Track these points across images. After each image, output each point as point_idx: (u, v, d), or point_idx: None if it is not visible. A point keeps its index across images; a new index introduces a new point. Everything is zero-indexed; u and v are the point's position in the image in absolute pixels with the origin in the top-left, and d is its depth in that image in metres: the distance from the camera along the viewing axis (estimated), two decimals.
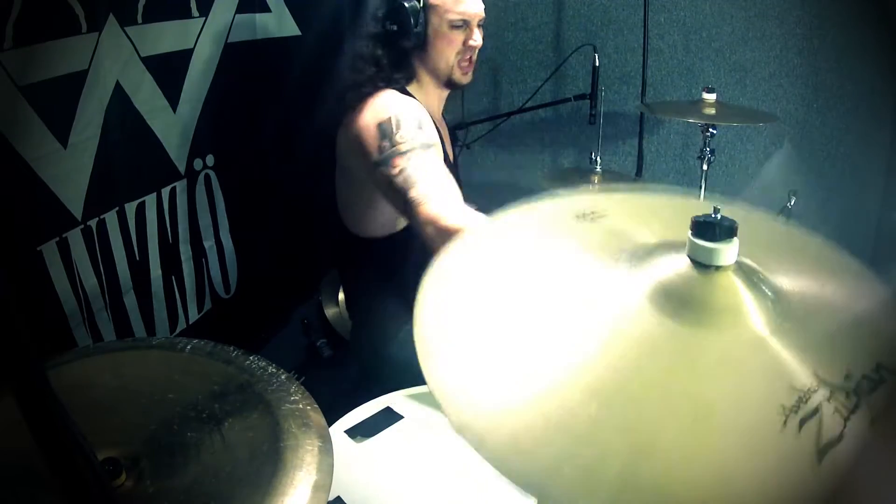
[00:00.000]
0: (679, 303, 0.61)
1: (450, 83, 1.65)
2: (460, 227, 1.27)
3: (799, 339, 0.59)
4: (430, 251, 1.56)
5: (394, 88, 1.55)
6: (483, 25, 1.65)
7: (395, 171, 1.39)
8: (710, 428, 0.51)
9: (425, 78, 1.64)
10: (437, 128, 1.65)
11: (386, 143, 1.41)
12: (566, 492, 0.46)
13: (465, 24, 1.58)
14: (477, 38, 1.60)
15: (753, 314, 0.61)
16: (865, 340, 0.62)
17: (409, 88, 1.61)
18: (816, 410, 0.52)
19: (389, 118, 1.44)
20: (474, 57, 1.64)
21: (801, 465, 0.49)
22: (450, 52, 1.59)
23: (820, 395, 0.53)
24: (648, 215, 0.74)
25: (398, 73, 1.59)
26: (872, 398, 0.53)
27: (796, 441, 0.50)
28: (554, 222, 0.78)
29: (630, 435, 0.50)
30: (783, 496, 0.48)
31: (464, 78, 1.64)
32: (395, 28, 1.55)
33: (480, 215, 1.31)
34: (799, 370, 0.56)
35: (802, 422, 0.51)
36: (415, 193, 1.35)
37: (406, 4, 1.53)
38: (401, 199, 1.38)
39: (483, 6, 1.62)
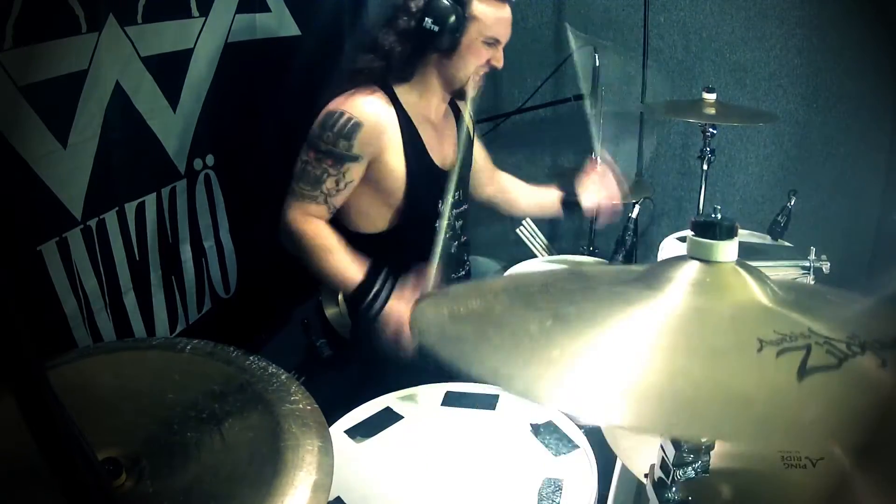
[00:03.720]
0: (693, 283, 0.66)
1: (458, 93, 1.68)
2: (299, 231, 1.52)
3: (804, 311, 0.64)
4: (421, 248, 1.63)
5: (381, 90, 1.59)
6: None
7: (303, 158, 1.55)
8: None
9: (433, 82, 1.65)
10: (435, 130, 1.66)
11: (317, 130, 1.54)
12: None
13: (495, 43, 1.61)
14: (501, 60, 1.63)
15: (758, 292, 0.66)
16: (880, 322, 0.65)
17: (400, 88, 1.62)
18: (803, 348, 0.56)
19: (342, 113, 1.52)
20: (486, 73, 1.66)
21: (778, 380, 0.54)
22: (473, 66, 1.61)
23: (811, 340, 0.57)
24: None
25: (398, 71, 1.61)
26: (885, 352, 0.56)
27: (774, 363, 0.55)
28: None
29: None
30: (763, 406, 0.53)
31: (472, 91, 1.66)
32: (435, 28, 1.54)
33: (329, 235, 1.53)
34: (794, 324, 0.60)
35: (781, 352, 0.56)
36: (295, 185, 1.54)
37: (453, 9, 1.53)
38: (290, 183, 1.56)
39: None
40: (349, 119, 1.52)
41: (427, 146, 1.67)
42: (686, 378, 0.56)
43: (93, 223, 1.39)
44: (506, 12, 1.61)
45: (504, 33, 1.62)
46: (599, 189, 1.86)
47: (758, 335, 0.58)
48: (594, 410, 0.55)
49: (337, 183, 1.54)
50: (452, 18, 1.52)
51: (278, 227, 1.56)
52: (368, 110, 1.55)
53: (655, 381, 0.57)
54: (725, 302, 0.65)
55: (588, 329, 0.64)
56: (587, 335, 0.63)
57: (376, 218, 1.66)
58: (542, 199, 1.99)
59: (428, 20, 1.53)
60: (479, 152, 1.95)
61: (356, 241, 1.69)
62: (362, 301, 1.51)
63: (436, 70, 1.63)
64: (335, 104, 1.55)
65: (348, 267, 1.53)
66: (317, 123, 1.55)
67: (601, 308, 0.68)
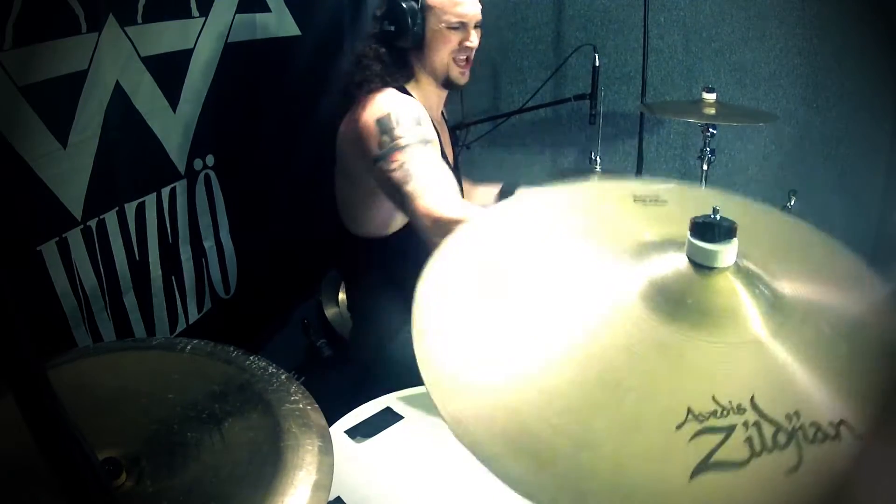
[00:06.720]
0: (673, 302, 0.62)
1: (447, 83, 1.67)
2: (456, 218, 1.27)
3: (786, 337, 0.59)
4: (428, 251, 1.60)
5: (393, 87, 1.58)
6: (481, 25, 1.66)
7: (395, 165, 1.41)
8: (623, 416, 0.53)
9: (423, 77, 1.66)
10: (435, 128, 1.66)
11: (385, 139, 1.45)
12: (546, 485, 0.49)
13: (461, 26, 1.60)
14: (473, 40, 1.62)
15: (748, 317, 0.61)
16: (849, 378, 0.58)
17: (408, 87, 1.63)
18: (724, 431, 0.51)
19: (389, 114, 1.47)
20: (471, 57, 1.65)
21: (670, 473, 0.48)
22: (445, 53, 1.61)
23: (742, 418, 0.51)
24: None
25: (398, 73, 1.61)
26: (811, 448, 0.51)
27: (683, 447, 0.50)
28: (602, 202, 0.81)
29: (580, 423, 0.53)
30: (648, 492, 0.48)
31: (461, 78, 1.66)
32: (392, 28, 1.58)
33: (479, 208, 1.34)
34: (744, 384, 0.55)
35: (698, 433, 0.50)
36: (411, 187, 1.38)
37: (404, 5, 1.55)
38: (399, 193, 1.40)
39: (480, 8, 1.63)
40: (408, 109, 1.49)
41: (442, 142, 1.67)
42: (592, 448, 0.50)
43: (93, 223, 1.39)
44: None
45: (468, 14, 1.60)
46: None
47: (690, 403, 0.52)
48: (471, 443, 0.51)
49: (439, 163, 1.45)
50: (405, 15, 1.55)
51: (421, 229, 1.37)
52: (409, 100, 1.56)
53: (557, 441, 0.50)
54: (695, 335, 0.59)
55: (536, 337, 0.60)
56: (529, 343, 0.59)
57: (387, 218, 1.64)
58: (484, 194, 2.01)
59: (385, 22, 1.58)
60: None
61: (356, 246, 1.68)
62: None
63: (419, 65, 1.64)
64: (375, 111, 1.48)
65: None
66: (374, 134, 1.46)
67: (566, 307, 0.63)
